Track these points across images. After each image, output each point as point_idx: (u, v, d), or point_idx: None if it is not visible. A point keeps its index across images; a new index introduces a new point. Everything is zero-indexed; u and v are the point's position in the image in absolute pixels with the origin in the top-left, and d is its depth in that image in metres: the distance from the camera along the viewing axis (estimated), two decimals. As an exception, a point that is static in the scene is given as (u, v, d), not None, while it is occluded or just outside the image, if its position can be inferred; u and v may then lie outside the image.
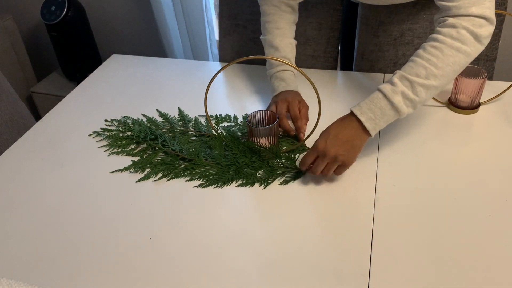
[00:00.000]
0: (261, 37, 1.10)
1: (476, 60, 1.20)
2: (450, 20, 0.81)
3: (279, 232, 0.78)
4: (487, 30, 0.80)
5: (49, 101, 2.06)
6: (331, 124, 0.85)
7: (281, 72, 1.05)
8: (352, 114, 0.83)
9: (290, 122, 1.00)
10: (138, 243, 0.77)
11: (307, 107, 1.02)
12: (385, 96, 0.81)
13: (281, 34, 1.06)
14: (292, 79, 1.05)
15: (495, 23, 0.81)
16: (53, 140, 1.04)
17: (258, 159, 0.90)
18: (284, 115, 0.99)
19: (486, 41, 0.81)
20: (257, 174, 0.88)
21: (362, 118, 0.81)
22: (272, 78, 1.06)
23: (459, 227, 0.76)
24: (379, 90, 0.83)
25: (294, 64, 1.07)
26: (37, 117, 1.78)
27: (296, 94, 1.03)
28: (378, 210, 0.80)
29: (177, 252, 0.75)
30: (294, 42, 1.09)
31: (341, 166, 0.83)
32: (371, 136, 0.83)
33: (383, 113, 0.81)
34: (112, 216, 0.83)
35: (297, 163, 0.91)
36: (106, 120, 1.09)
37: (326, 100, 1.11)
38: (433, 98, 1.07)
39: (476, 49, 0.80)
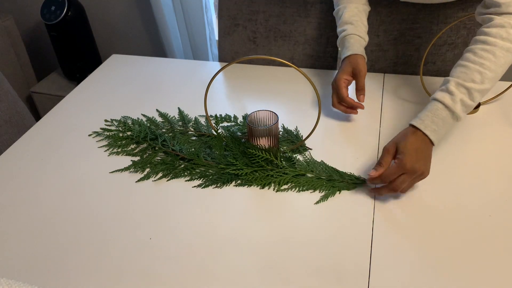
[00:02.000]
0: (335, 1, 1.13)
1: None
2: (498, 20, 0.81)
3: (279, 232, 0.78)
4: None
5: (49, 101, 2.06)
6: (404, 141, 0.81)
7: (346, 37, 1.04)
8: (414, 127, 0.82)
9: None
10: (138, 243, 0.77)
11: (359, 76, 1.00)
12: (446, 107, 0.81)
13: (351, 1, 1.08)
14: (351, 42, 1.04)
15: None
16: (53, 140, 1.04)
17: (258, 160, 0.90)
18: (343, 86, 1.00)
19: None
20: (257, 174, 0.88)
21: (427, 132, 0.81)
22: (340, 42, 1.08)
23: (459, 227, 0.76)
24: (438, 101, 0.82)
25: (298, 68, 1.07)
26: (37, 117, 1.78)
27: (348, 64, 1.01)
28: (378, 210, 0.80)
29: (177, 252, 0.75)
30: (365, 7, 1.09)
31: (419, 180, 0.82)
32: (434, 145, 0.82)
33: (445, 123, 0.82)
34: (112, 216, 0.82)
35: (298, 167, 0.91)
36: (106, 120, 1.09)
37: (326, 100, 1.11)
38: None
39: None
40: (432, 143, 0.82)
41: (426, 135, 0.81)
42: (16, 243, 0.78)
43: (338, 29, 1.07)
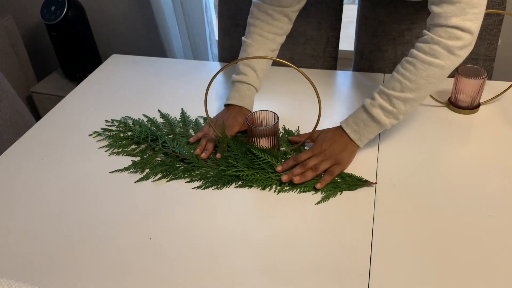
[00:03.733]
0: (242, 38, 1.06)
1: (475, 60, 1.20)
2: (428, 35, 0.83)
3: (279, 232, 0.78)
4: (463, 42, 0.79)
5: (49, 101, 2.06)
6: (324, 133, 0.92)
7: (242, 85, 1.02)
8: (340, 127, 0.91)
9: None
10: (138, 243, 0.77)
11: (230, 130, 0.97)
12: (365, 109, 0.88)
13: (262, 42, 1.03)
14: (247, 94, 1.02)
15: (476, 34, 0.80)
16: (53, 140, 1.04)
17: (259, 162, 0.89)
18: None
19: (461, 53, 0.81)
20: (258, 175, 0.88)
21: (347, 130, 0.89)
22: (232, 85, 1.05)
23: (459, 227, 0.76)
24: (362, 104, 0.90)
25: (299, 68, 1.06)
26: (37, 117, 1.78)
27: (236, 116, 0.99)
28: (378, 210, 0.80)
29: (177, 252, 0.75)
30: (271, 54, 1.05)
31: (336, 166, 0.87)
32: (359, 146, 0.90)
33: (366, 125, 0.88)
34: (112, 216, 0.83)
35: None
36: (106, 121, 1.08)
37: (326, 100, 1.11)
38: (433, 98, 1.07)
39: (451, 62, 0.82)
40: (355, 143, 0.89)
41: (346, 133, 0.89)
42: (16, 243, 0.79)
43: (240, 67, 1.02)
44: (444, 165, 0.89)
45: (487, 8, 1.12)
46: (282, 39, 1.06)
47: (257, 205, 0.83)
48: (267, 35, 1.03)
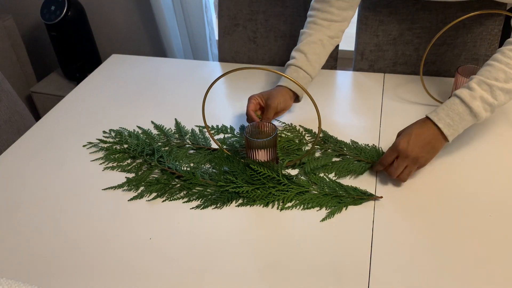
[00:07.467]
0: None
1: (476, 60, 1.20)
2: None
3: (279, 232, 0.78)
4: None
5: (49, 101, 2.06)
6: (411, 125, 0.84)
7: (289, 67, 1.00)
8: (428, 118, 0.83)
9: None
10: (138, 243, 0.77)
11: (273, 109, 0.95)
12: (463, 102, 0.80)
13: (317, 29, 1.02)
14: (292, 76, 0.99)
15: None
16: (53, 140, 1.04)
17: (259, 177, 0.84)
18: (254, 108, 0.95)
19: None
20: (258, 192, 0.84)
21: (440, 124, 0.81)
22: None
23: (459, 227, 0.76)
24: (456, 95, 0.82)
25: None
26: (37, 117, 1.78)
27: (276, 94, 0.96)
28: (378, 210, 0.80)
29: (176, 253, 0.75)
30: (330, 40, 1.03)
31: (417, 168, 0.84)
32: (448, 141, 0.82)
33: (461, 119, 0.81)
34: (112, 215, 0.82)
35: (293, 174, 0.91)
36: (104, 132, 1.05)
37: (326, 100, 1.11)
38: (433, 98, 1.07)
39: None
40: (445, 138, 0.82)
41: (439, 128, 0.81)
42: (16, 243, 0.78)
43: (292, 53, 1.02)
44: (443, 165, 0.89)
45: (487, 8, 1.12)
46: (342, 26, 1.04)
47: (257, 206, 0.83)
48: (321, 22, 1.01)
